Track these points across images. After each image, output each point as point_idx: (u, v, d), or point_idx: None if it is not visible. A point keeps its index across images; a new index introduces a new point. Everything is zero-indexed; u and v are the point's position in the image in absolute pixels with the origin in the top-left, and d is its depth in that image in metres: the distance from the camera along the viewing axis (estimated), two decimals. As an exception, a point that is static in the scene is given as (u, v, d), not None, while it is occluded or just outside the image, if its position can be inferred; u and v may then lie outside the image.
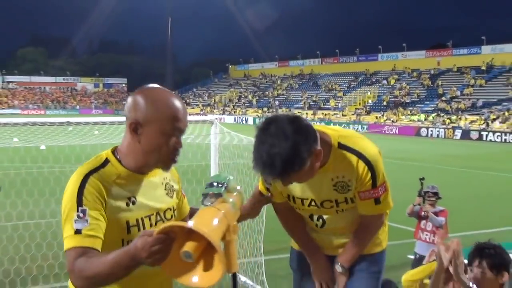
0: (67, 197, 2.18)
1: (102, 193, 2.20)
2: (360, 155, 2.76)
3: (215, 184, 2.21)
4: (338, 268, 3.03)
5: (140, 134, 2.24)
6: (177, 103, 2.27)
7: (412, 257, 7.75)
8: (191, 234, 1.89)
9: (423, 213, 7.29)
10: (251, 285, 7.80)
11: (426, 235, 7.30)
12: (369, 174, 2.77)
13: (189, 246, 1.88)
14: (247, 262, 8.08)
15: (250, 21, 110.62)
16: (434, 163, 25.28)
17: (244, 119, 63.06)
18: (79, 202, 2.15)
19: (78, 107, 78.05)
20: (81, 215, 2.12)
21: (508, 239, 9.01)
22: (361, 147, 2.78)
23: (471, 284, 3.07)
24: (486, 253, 3.36)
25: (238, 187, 2.35)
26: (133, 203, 2.28)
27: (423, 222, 7.33)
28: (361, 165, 2.75)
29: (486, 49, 59.80)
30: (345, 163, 2.76)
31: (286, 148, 2.39)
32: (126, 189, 2.28)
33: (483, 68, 57.75)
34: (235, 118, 64.14)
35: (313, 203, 2.91)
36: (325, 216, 3.00)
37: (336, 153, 2.76)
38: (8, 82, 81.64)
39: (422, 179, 7.39)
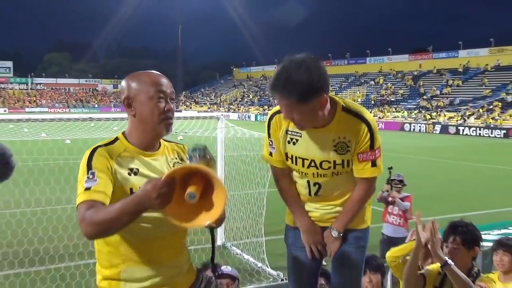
0: (80, 168, 2.22)
1: (109, 161, 2.24)
2: (362, 118, 2.78)
3: (197, 149, 2.30)
4: (334, 233, 2.96)
5: (134, 108, 2.32)
6: (157, 73, 2.39)
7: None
8: (188, 182, 1.99)
9: (390, 198, 7.21)
10: (253, 262, 7.84)
11: (393, 218, 7.24)
12: (368, 136, 2.79)
13: (191, 189, 1.97)
14: (249, 242, 8.11)
15: (252, 28, 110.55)
16: (416, 154, 25.35)
17: (247, 116, 62.96)
18: (89, 167, 2.19)
19: (97, 105, 78.09)
20: (90, 176, 2.16)
21: (481, 221, 9.03)
22: (362, 111, 2.82)
23: (446, 259, 3.10)
24: (459, 230, 3.36)
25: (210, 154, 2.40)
26: (135, 173, 2.28)
27: (390, 206, 7.27)
28: (362, 126, 2.77)
29: (462, 53, 59.56)
30: (348, 124, 2.78)
31: (302, 80, 2.51)
32: (130, 161, 2.30)
33: (460, 70, 57.55)
34: (238, 115, 64.05)
35: (313, 163, 2.85)
36: (321, 181, 2.92)
37: (340, 115, 2.77)
38: (37, 84, 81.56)
39: (390, 168, 7.21)
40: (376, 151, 2.83)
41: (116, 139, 2.37)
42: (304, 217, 3.04)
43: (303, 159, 2.87)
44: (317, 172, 2.88)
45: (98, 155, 2.23)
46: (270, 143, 2.97)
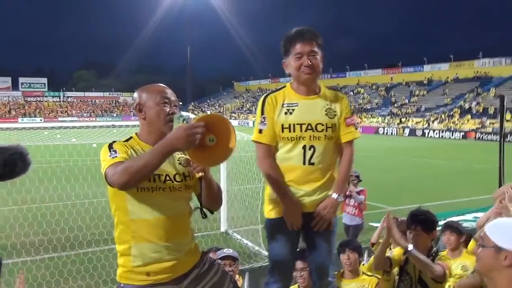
0: (101, 153, 2.26)
1: (127, 148, 2.29)
2: (340, 91, 3.05)
3: (184, 115, 2.31)
4: (339, 198, 2.90)
5: (144, 112, 2.38)
6: (162, 85, 2.46)
7: (371, 224, 7.76)
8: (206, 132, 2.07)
9: (347, 192, 7.11)
10: (251, 246, 7.86)
11: (350, 208, 7.29)
12: (348, 104, 2.98)
13: (210, 134, 2.10)
14: (248, 229, 8.13)
15: (250, 48, 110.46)
16: (389, 153, 25.44)
17: (245, 122, 62.88)
18: (110, 148, 2.25)
19: (119, 115, 77.83)
20: (113, 153, 2.21)
21: (442, 210, 9.07)
22: (340, 91, 3.09)
23: (407, 245, 3.13)
24: (419, 219, 3.38)
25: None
26: None
27: (348, 199, 7.24)
28: (343, 96, 2.99)
29: (427, 67, 59.55)
30: (332, 95, 2.96)
31: (316, 32, 2.85)
32: (141, 153, 2.32)
33: (425, 82, 57.57)
34: (239, 122, 64.00)
35: (309, 127, 2.84)
36: (316, 144, 2.84)
37: (325, 90, 2.97)
38: (68, 97, 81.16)
39: None
40: (355, 117, 3.02)
41: (130, 137, 2.43)
42: (288, 198, 2.86)
43: (300, 124, 2.84)
44: (313, 135, 2.84)
45: (117, 144, 2.31)
46: (263, 120, 2.89)
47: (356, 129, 3.00)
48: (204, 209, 2.45)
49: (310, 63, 2.79)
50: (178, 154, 2.45)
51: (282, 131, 2.86)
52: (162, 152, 2.03)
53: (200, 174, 2.26)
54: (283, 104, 2.89)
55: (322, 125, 2.86)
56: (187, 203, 2.45)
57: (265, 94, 2.98)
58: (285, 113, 2.86)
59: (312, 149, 2.85)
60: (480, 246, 1.93)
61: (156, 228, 2.28)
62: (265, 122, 2.88)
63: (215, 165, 2.26)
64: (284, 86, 2.99)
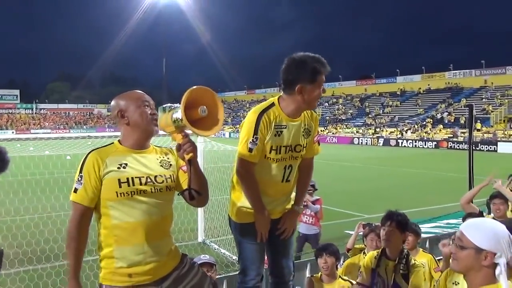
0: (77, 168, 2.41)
1: (98, 162, 2.37)
2: (313, 110, 3.13)
3: (168, 106, 2.40)
4: (298, 209, 3.21)
5: (126, 117, 2.45)
6: (138, 91, 2.57)
7: (347, 231, 7.88)
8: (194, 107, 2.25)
9: (304, 202, 7.03)
10: (228, 255, 7.87)
11: (306, 218, 7.16)
12: (318, 121, 3.17)
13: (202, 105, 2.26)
14: (225, 238, 8.16)
15: (224, 60, 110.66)
16: (363, 163, 25.69)
17: (222, 133, 62.80)
18: (81, 169, 2.38)
19: (94, 127, 76.89)
20: (78, 181, 2.37)
21: (415, 217, 9.26)
22: None
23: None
24: (395, 217, 3.49)
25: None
26: (124, 167, 2.38)
27: (304, 208, 6.94)
28: (315, 115, 3.13)
29: (399, 79, 60.57)
30: (309, 116, 3.08)
31: None
32: (120, 158, 2.41)
33: (398, 93, 58.63)
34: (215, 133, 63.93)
35: (290, 148, 2.97)
36: (293, 163, 3.05)
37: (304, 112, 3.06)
38: (41, 109, 79.80)
39: None
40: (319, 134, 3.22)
41: (111, 143, 2.49)
42: (263, 210, 2.99)
43: (286, 147, 2.96)
44: (292, 155, 3.00)
45: (88, 163, 2.37)
46: (254, 139, 2.85)
47: (319, 144, 3.22)
48: (192, 191, 2.44)
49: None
50: (159, 157, 2.52)
51: (270, 152, 2.93)
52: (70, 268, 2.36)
53: (190, 155, 2.34)
54: (274, 125, 2.91)
55: (300, 146, 3.02)
56: (169, 205, 2.51)
57: (257, 110, 2.94)
58: (275, 135, 2.91)
59: (290, 168, 3.04)
60: (458, 247, 2.04)
61: (138, 230, 2.34)
62: (256, 142, 2.86)
63: (214, 133, 2.41)
64: (273, 103, 2.97)
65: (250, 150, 2.86)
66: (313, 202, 7.08)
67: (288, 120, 2.93)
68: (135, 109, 2.44)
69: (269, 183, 3.01)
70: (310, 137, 3.08)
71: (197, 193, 2.43)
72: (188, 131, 2.34)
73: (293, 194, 3.24)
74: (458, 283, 3.67)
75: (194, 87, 2.27)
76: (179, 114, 2.23)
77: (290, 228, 3.16)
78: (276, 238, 3.15)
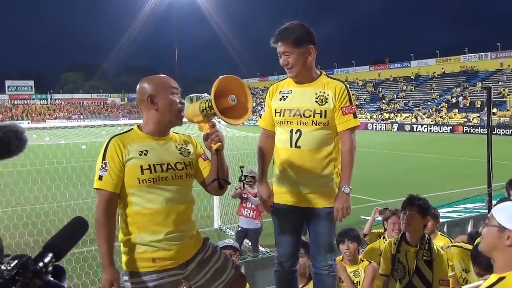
0: (98, 155, 2.39)
1: (120, 148, 2.36)
2: (340, 80, 3.06)
3: (195, 96, 2.42)
4: (346, 189, 2.93)
5: (156, 103, 2.40)
6: (165, 75, 2.54)
7: (363, 217, 7.82)
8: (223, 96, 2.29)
9: (244, 194, 6.83)
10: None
11: (247, 211, 6.90)
12: (346, 92, 2.98)
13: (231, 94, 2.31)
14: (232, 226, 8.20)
15: (236, 46, 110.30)
16: (378, 148, 25.52)
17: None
18: (104, 156, 2.35)
19: (108, 116, 77.32)
20: (102, 168, 2.34)
21: (431, 202, 9.19)
22: (342, 80, 3.10)
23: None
24: (416, 202, 3.48)
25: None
26: (145, 154, 2.37)
27: (244, 201, 6.91)
28: (340, 85, 3.00)
29: (414, 63, 60.00)
30: (329, 83, 3.00)
31: (296, 28, 2.91)
32: (141, 145, 2.39)
33: (412, 77, 58.04)
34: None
35: (297, 112, 2.96)
36: (302, 128, 2.96)
37: (323, 78, 3.04)
38: (55, 99, 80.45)
39: (242, 167, 6.96)
40: (354, 106, 3.03)
41: (131, 129, 2.47)
42: (264, 178, 3.13)
43: (290, 110, 3.00)
44: (300, 120, 2.96)
45: (111, 149, 2.35)
46: (263, 106, 3.24)
47: (355, 117, 3.02)
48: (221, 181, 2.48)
49: (286, 62, 2.96)
50: (178, 144, 2.52)
51: (275, 115, 3.07)
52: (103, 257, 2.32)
53: (218, 144, 2.36)
54: (280, 91, 3.11)
55: (310, 111, 2.96)
56: (189, 191, 2.52)
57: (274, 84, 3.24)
58: (280, 99, 3.08)
59: (298, 133, 2.99)
60: (485, 225, 2.07)
61: (160, 217, 2.35)
62: (264, 108, 3.19)
63: (244, 121, 2.42)
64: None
65: (261, 116, 3.19)
66: (254, 195, 6.61)
67: (295, 86, 3.07)
68: (166, 96, 2.41)
69: (280, 148, 3.09)
70: (328, 105, 2.94)
71: (226, 182, 2.48)
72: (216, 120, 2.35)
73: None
74: (469, 271, 3.65)
75: (223, 76, 2.26)
76: (207, 103, 2.22)
77: (339, 208, 2.93)
78: (312, 229, 3.10)
